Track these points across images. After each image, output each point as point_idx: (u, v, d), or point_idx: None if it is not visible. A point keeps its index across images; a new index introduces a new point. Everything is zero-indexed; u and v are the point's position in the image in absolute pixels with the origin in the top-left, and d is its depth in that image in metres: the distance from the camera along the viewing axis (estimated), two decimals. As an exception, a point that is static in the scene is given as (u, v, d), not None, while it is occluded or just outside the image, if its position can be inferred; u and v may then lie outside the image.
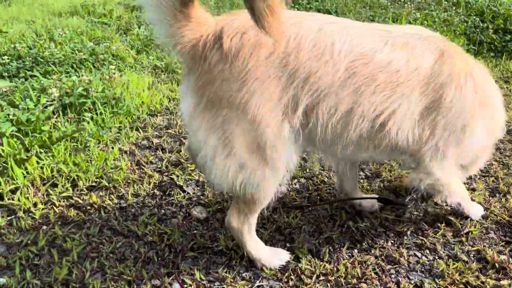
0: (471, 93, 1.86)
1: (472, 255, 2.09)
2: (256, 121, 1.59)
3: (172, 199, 2.46)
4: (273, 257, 1.99)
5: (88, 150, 2.83)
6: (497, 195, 2.53)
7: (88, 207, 2.38)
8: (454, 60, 1.81)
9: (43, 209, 2.35)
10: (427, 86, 1.76)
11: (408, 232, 2.23)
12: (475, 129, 1.94)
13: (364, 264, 2.02)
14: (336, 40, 1.63)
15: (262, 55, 1.56)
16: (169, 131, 3.19)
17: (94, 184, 2.57)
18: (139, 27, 5.44)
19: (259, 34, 1.49)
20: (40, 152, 2.72)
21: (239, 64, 1.54)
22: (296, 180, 2.68)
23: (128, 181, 2.60)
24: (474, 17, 6.00)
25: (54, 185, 2.54)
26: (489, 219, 2.32)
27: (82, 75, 3.56)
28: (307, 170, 2.77)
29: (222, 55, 1.54)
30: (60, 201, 2.41)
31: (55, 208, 2.36)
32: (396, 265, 2.03)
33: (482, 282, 1.91)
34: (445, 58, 1.79)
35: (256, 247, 1.97)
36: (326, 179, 2.67)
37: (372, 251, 2.11)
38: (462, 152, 1.98)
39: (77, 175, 2.59)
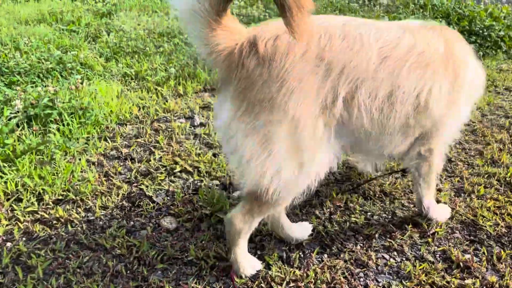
0: (473, 73, 2.05)
1: (438, 255, 2.13)
2: (295, 120, 1.63)
3: (141, 210, 2.43)
4: (249, 265, 1.99)
5: (54, 162, 2.77)
6: (462, 195, 2.60)
7: (54, 222, 2.33)
8: (456, 44, 1.99)
9: (7, 225, 2.29)
10: (446, 66, 1.88)
11: (377, 235, 2.26)
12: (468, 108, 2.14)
13: (333, 269, 2.04)
14: (362, 31, 1.72)
15: (297, 54, 1.61)
16: (139, 140, 3.15)
17: (60, 197, 2.51)
18: (108, 34, 5.36)
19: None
20: (4, 166, 2.65)
21: (277, 65, 1.59)
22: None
23: (96, 193, 2.55)
24: (440, 19, 6.14)
25: (19, 200, 2.47)
26: (454, 219, 2.38)
27: (48, 85, 3.49)
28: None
29: (259, 60, 1.59)
30: (25, 216, 2.35)
31: (19, 223, 2.30)
32: (365, 268, 2.05)
33: (448, 282, 1.95)
34: (450, 43, 1.94)
35: (243, 252, 1.98)
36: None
37: (342, 255, 2.13)
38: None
39: (42, 189, 2.53)
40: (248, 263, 1.98)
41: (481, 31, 5.55)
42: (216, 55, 1.62)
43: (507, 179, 2.73)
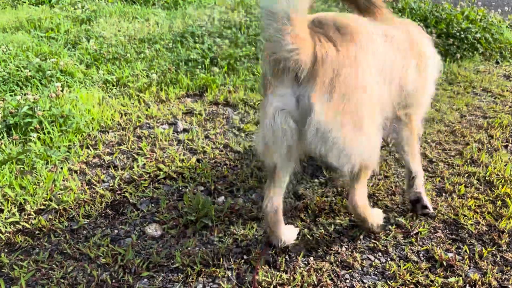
0: (432, 56, 2.35)
1: (421, 255, 2.17)
2: (372, 93, 1.87)
3: (126, 218, 2.41)
4: (379, 217, 2.29)
5: (36, 171, 2.73)
6: (443, 194, 2.64)
7: (37, 232, 2.30)
8: (420, 35, 2.33)
9: (-13, 237, 2.24)
10: (415, 50, 2.19)
11: (361, 236, 2.29)
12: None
13: (319, 271, 2.05)
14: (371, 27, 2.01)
15: (363, 39, 1.85)
16: (121, 147, 3.12)
17: (42, 207, 2.47)
18: (88, 41, 5.30)
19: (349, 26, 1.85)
20: (-17, 177, 2.60)
21: (352, 53, 1.78)
22: (252, 190, 2.69)
23: (79, 202, 2.52)
24: (418, 22, 6.25)
25: (0, 211, 2.43)
26: (436, 218, 2.42)
27: (27, 93, 3.44)
28: (263, 180, 2.79)
29: (337, 53, 1.74)
30: (6, 227, 2.31)
31: (1, 235, 2.26)
32: (351, 270, 2.07)
33: (432, 281, 1.98)
34: (416, 33, 2.29)
35: (373, 213, 2.25)
36: (281, 188, 2.69)
37: (327, 258, 2.15)
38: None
39: (24, 199, 2.49)
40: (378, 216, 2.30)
41: (458, 34, 5.66)
42: (298, 57, 1.66)
43: (486, 178, 2.79)
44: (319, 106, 1.71)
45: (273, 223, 2.11)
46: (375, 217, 2.25)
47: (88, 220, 2.39)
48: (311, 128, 1.73)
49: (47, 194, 2.54)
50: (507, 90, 4.42)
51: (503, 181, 2.75)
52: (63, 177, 2.73)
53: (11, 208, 2.44)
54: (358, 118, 1.80)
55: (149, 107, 3.79)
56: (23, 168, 2.75)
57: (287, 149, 1.83)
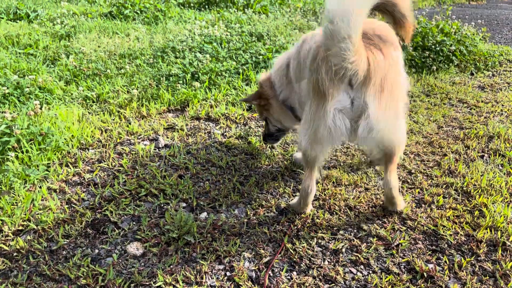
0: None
1: (402, 266, 2.19)
2: (403, 88, 2.33)
3: (106, 237, 2.38)
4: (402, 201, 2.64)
5: (13, 191, 2.68)
6: (422, 205, 2.69)
7: (15, 254, 2.25)
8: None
9: (-37, 260, 2.19)
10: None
11: (343, 250, 2.30)
12: None
13: (302, 286, 2.06)
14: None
15: (398, 45, 2.27)
16: (102, 164, 3.09)
17: (21, 228, 2.42)
18: (67, 57, 5.26)
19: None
20: (-41, 198, 2.54)
21: (394, 57, 2.17)
22: (234, 206, 2.69)
23: (58, 221, 2.48)
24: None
25: (-24, 233, 2.37)
26: (416, 229, 2.46)
27: (5, 112, 3.38)
28: (246, 195, 2.79)
29: (384, 59, 2.09)
30: (-18, 250, 2.26)
31: (-23, 258, 2.20)
32: (333, 284, 2.08)
33: (413, 293, 2.00)
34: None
35: (400, 197, 2.62)
36: (264, 202, 2.70)
37: (310, 272, 2.15)
38: None
39: (1, 220, 2.44)
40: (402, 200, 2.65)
41: (433, 46, 5.80)
42: (357, 67, 2.00)
43: (464, 188, 2.85)
44: (373, 104, 2.09)
45: (310, 200, 2.55)
46: (401, 200, 2.61)
47: (68, 240, 2.35)
48: (366, 123, 2.11)
49: (25, 215, 2.50)
50: (482, 101, 4.54)
51: (480, 191, 2.81)
52: (42, 197, 2.69)
53: (-12, 229, 2.38)
54: (397, 110, 2.22)
55: (130, 123, 3.77)
56: (0, 188, 2.69)
57: (338, 143, 2.28)
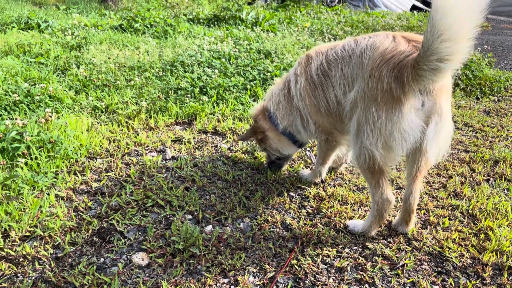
0: None
1: (407, 287, 2.19)
2: None
3: (112, 246, 2.39)
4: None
5: (22, 197, 2.70)
6: (428, 227, 2.69)
7: (21, 259, 2.25)
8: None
9: (-31, 264, 2.19)
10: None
11: (348, 268, 2.30)
12: None
13: (307, 303, 2.05)
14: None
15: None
16: (109, 174, 3.12)
17: (28, 234, 2.44)
18: (78, 67, 5.34)
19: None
20: (-33, 202, 2.56)
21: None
22: (240, 220, 2.70)
23: (65, 229, 2.49)
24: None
25: (-17, 237, 2.38)
26: (422, 250, 2.46)
27: (16, 118, 3.42)
28: (251, 210, 2.80)
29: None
30: (-11, 254, 2.26)
31: (-17, 262, 2.21)
32: (338, 302, 2.08)
33: (418, 313, 1.99)
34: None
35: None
36: (269, 218, 2.71)
37: (315, 289, 2.15)
38: None
39: (9, 225, 2.45)
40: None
41: (440, 70, 5.88)
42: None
43: (469, 211, 2.86)
44: (446, 107, 2.21)
45: (389, 209, 2.48)
46: (415, 219, 2.62)
47: (74, 248, 2.36)
48: (437, 126, 2.19)
49: (32, 221, 2.51)
50: (487, 125, 4.56)
51: (485, 214, 2.82)
52: (50, 204, 2.71)
53: (-6, 234, 2.39)
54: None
55: (138, 134, 3.80)
56: (9, 193, 2.71)
57: (412, 145, 2.22)
